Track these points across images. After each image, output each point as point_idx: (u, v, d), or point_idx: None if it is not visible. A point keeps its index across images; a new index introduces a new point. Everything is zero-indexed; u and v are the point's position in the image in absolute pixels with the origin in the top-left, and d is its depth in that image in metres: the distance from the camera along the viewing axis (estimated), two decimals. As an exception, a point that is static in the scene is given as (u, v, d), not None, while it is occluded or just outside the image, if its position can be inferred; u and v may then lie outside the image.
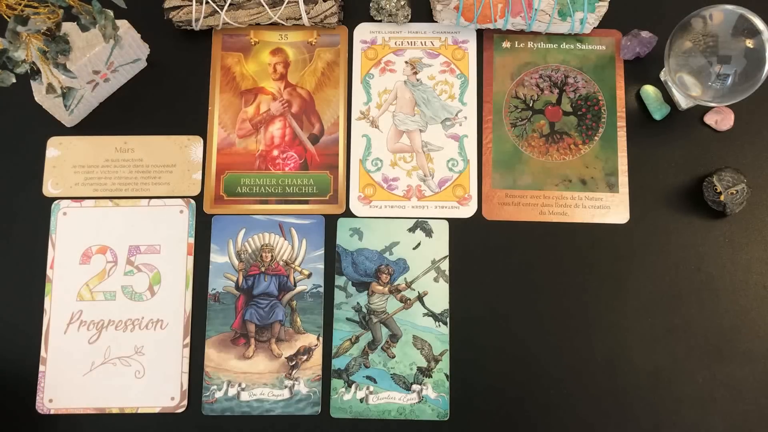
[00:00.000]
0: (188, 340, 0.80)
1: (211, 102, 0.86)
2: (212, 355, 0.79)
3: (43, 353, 0.79)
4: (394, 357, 0.80)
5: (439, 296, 0.81)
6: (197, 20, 0.84)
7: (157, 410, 0.78)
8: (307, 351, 0.80)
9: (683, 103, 0.84)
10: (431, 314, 0.80)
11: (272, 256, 0.82)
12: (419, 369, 0.79)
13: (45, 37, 0.70)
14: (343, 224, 0.83)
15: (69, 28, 0.73)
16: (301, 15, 0.85)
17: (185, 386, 0.79)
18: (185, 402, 0.78)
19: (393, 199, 0.84)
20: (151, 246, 0.82)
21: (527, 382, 0.79)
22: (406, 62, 0.87)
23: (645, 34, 0.84)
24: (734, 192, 0.79)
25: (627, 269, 0.81)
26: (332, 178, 0.84)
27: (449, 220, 0.83)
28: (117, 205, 0.83)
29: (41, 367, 0.79)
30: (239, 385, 0.79)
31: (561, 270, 0.81)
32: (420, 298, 0.81)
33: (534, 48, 0.87)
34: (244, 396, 0.78)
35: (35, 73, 0.71)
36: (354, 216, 0.83)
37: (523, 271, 0.81)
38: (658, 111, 0.85)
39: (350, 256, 0.82)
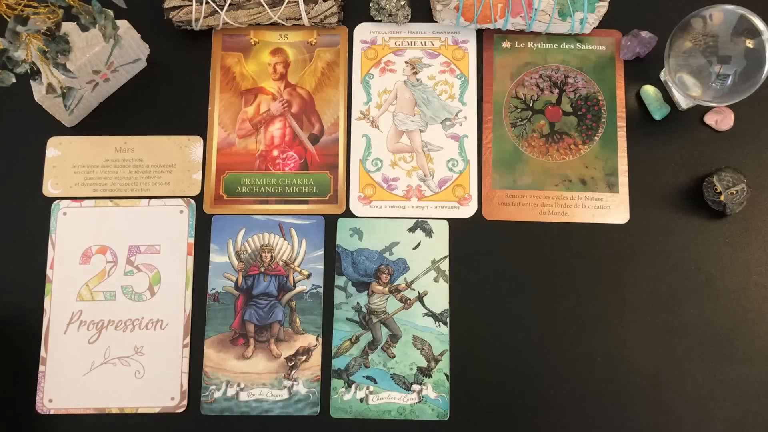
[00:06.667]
0: (188, 340, 0.80)
1: (211, 102, 0.86)
2: (211, 355, 0.79)
3: (43, 353, 0.79)
4: (394, 357, 0.80)
5: (439, 296, 0.81)
6: (197, 20, 0.84)
7: (156, 410, 0.78)
8: (306, 351, 0.80)
9: (683, 103, 0.84)
10: (431, 314, 0.80)
11: (272, 256, 0.82)
12: (419, 369, 0.79)
13: (45, 37, 0.70)
14: (343, 224, 0.83)
15: (69, 28, 0.73)
16: (301, 15, 0.85)
17: (185, 386, 0.79)
18: (185, 402, 0.78)
19: (393, 199, 0.84)
20: (151, 246, 0.82)
21: (527, 382, 0.79)
22: (406, 62, 0.87)
23: (645, 34, 0.84)
24: (734, 192, 0.79)
25: (627, 269, 0.81)
26: (332, 178, 0.84)
27: (449, 220, 0.83)
28: (117, 205, 0.83)
29: (41, 367, 0.79)
30: (238, 385, 0.79)
31: (561, 270, 0.81)
32: (420, 298, 0.81)
33: (534, 48, 0.87)
34: (243, 396, 0.78)
35: (35, 73, 0.71)
36: (354, 216, 0.83)
37: (523, 271, 0.81)
38: (658, 111, 0.84)
39: (350, 256, 0.82)
